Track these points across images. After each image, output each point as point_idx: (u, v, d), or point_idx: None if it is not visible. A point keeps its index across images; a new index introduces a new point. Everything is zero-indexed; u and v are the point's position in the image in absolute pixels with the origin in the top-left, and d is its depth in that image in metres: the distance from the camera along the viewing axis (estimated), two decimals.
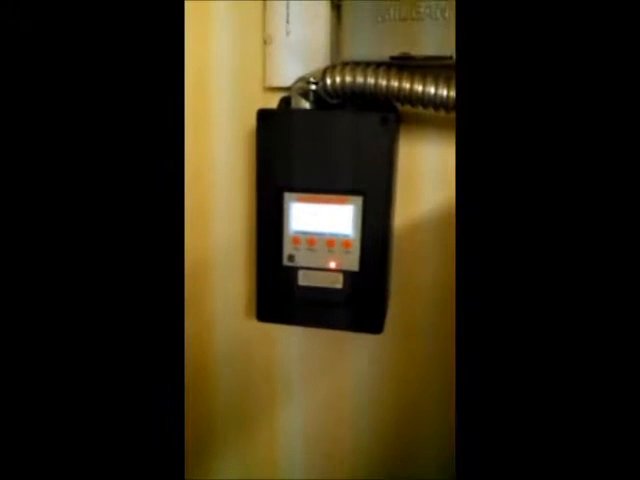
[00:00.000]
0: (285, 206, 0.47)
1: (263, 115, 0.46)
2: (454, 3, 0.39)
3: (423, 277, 0.52)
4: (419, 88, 0.42)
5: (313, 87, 0.45)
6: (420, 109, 0.44)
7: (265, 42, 0.49)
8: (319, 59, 0.47)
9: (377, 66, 0.43)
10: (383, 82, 0.42)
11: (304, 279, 0.48)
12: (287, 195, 0.46)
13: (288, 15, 0.47)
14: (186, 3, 0.43)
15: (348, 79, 0.43)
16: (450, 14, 0.40)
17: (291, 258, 0.48)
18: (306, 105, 0.46)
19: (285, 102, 0.48)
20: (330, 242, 0.47)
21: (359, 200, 0.45)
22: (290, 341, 0.58)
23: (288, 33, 0.48)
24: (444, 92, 0.42)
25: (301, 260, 0.48)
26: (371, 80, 0.43)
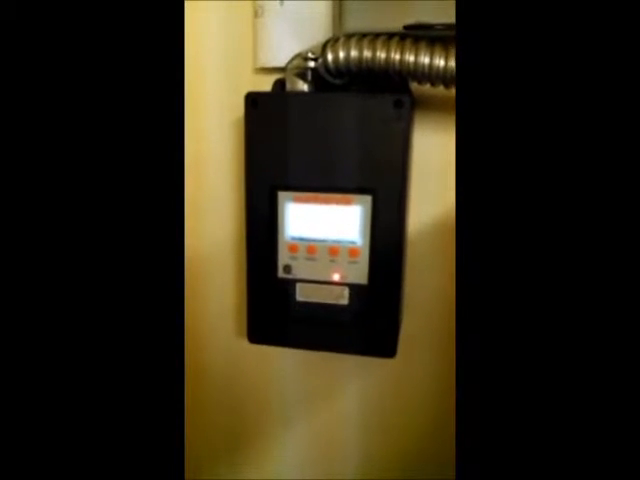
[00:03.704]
0: (280, 208, 0.43)
1: (253, 100, 0.41)
2: None
3: (440, 289, 0.49)
4: (440, 62, 0.37)
5: (311, 64, 0.40)
6: (441, 88, 0.39)
7: (255, 14, 0.44)
8: (319, 32, 0.42)
9: (388, 37, 0.38)
10: (396, 56, 0.37)
11: (303, 294, 0.45)
12: (282, 195, 0.43)
13: None
14: None
15: (353, 54, 0.38)
16: None
17: (287, 269, 0.44)
18: (304, 87, 0.41)
19: (280, 86, 0.44)
20: (333, 250, 0.43)
21: (367, 200, 0.41)
22: (287, 362, 0.55)
23: (282, 2, 0.42)
24: None
25: (299, 271, 0.44)
26: (381, 54, 0.38)
